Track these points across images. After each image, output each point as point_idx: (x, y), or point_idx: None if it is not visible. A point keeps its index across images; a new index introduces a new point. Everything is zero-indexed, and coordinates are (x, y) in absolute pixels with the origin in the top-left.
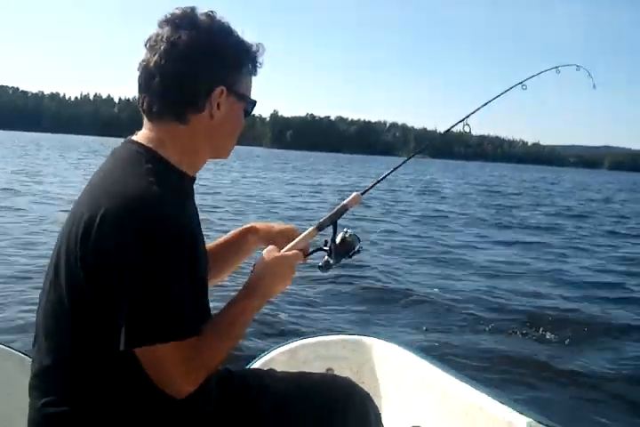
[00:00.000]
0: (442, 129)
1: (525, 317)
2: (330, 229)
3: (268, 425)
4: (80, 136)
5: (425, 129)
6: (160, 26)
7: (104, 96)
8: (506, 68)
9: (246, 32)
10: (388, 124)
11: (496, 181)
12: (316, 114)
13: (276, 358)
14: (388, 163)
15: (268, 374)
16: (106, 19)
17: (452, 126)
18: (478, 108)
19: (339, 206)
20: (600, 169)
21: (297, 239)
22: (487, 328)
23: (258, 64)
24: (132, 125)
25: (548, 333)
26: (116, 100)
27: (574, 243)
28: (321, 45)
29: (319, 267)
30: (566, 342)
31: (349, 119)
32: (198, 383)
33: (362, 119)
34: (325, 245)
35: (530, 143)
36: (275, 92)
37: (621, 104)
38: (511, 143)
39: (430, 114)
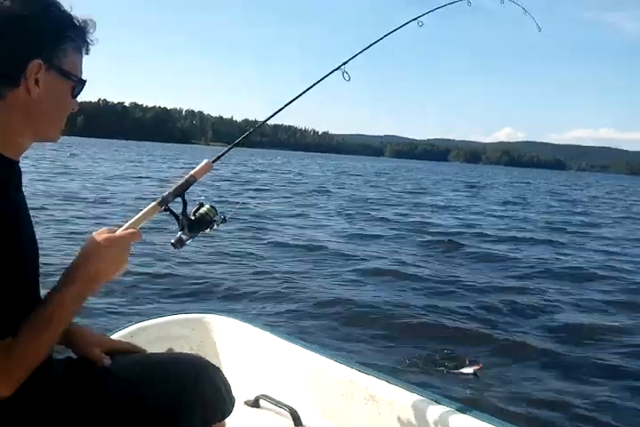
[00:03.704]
0: (238, 118)
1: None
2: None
3: (116, 412)
4: None
5: (221, 117)
6: None
7: None
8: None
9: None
10: (184, 112)
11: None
12: (109, 99)
13: None
14: (189, 151)
15: (112, 360)
16: None
17: (285, 105)
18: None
19: (186, 177)
20: (382, 157)
21: (135, 217)
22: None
23: (88, 40)
24: None
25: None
26: None
27: None
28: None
29: (172, 244)
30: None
31: (144, 105)
32: (17, 384)
33: (157, 106)
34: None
35: (320, 132)
36: None
37: (399, 96)
38: (303, 133)
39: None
